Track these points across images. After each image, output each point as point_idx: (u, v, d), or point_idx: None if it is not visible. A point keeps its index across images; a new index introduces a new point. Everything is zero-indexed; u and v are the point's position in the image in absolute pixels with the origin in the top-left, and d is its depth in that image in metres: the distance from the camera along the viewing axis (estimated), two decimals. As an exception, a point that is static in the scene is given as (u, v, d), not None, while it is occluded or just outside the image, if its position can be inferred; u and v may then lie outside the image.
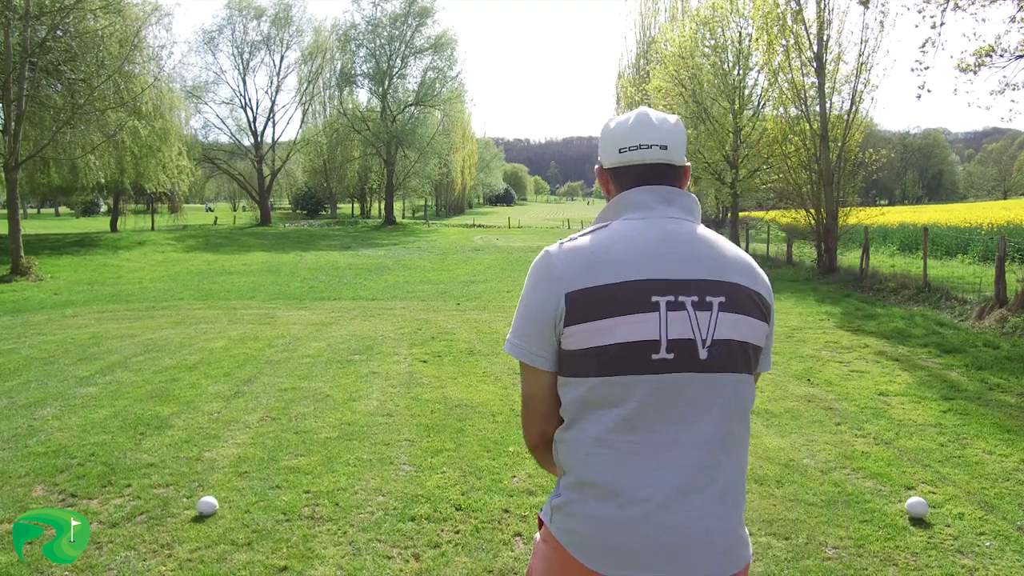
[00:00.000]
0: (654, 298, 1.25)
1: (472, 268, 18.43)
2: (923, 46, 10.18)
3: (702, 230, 1.37)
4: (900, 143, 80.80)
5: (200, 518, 3.43)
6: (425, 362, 6.96)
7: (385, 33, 41.54)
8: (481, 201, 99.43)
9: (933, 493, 3.72)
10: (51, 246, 23.68)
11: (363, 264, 19.68)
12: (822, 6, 14.94)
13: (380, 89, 41.85)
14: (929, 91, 10.72)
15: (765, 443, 4.51)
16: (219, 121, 45.56)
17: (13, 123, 16.38)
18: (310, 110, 46.84)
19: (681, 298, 1.26)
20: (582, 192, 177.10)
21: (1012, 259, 13.22)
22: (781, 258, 19.03)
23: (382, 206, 49.22)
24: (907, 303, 10.90)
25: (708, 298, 1.27)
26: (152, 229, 33.67)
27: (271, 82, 44.55)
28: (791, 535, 3.25)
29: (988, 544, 3.17)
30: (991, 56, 9.50)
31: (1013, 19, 9.40)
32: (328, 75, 44.73)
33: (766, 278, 1.38)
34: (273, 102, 44.36)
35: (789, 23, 15.34)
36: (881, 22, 14.08)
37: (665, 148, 1.38)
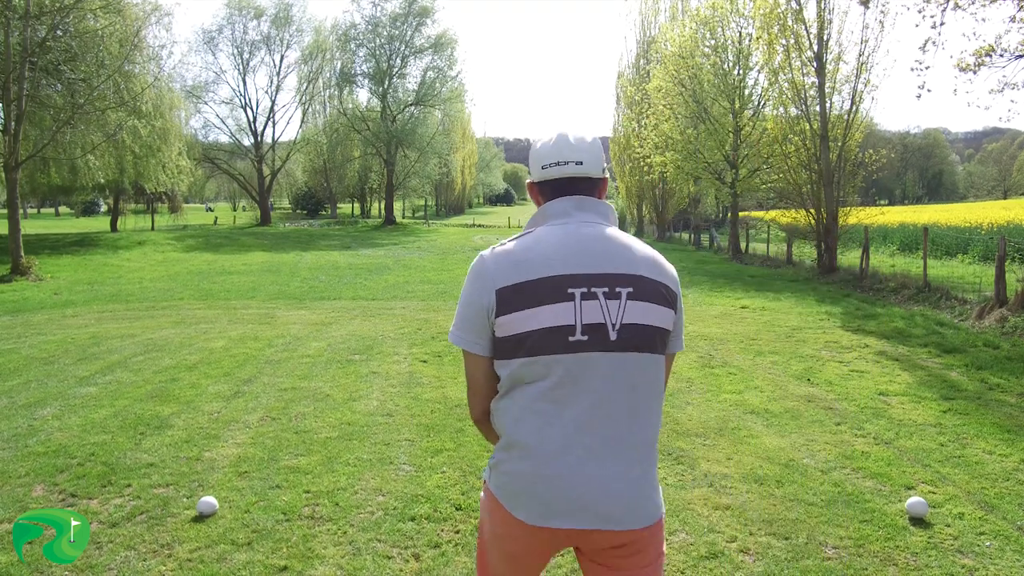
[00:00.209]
0: (570, 290, 1.47)
1: (472, 268, 18.40)
2: (923, 46, 10.18)
3: (614, 232, 1.59)
4: (900, 143, 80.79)
5: (200, 518, 3.43)
6: (425, 362, 6.97)
7: (385, 33, 41.52)
8: (481, 201, 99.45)
9: (933, 493, 3.72)
10: (51, 246, 23.68)
11: (363, 264, 19.68)
12: (822, 6, 14.94)
13: (380, 89, 41.84)
14: (929, 91, 10.72)
15: (765, 443, 4.51)
16: (219, 121, 45.57)
17: (13, 123, 16.38)
18: (310, 110, 46.84)
19: (594, 289, 1.48)
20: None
21: (1012, 259, 13.22)
22: (781, 258, 19.03)
23: (382, 206, 49.20)
24: (907, 303, 10.90)
25: (617, 289, 1.49)
26: (152, 229, 33.67)
27: (271, 82, 44.57)
28: (791, 535, 3.25)
29: (988, 544, 3.17)
30: (991, 56, 9.50)
31: (1013, 19, 9.40)
32: (328, 75, 44.73)
33: (673, 272, 1.62)
34: (273, 102, 44.37)
35: (789, 23, 15.34)
36: (881, 22, 14.11)
37: (581, 163, 1.60)
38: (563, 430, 1.47)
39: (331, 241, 29.49)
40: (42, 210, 73.81)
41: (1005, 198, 71.10)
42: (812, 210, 15.73)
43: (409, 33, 41.76)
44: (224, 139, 43.74)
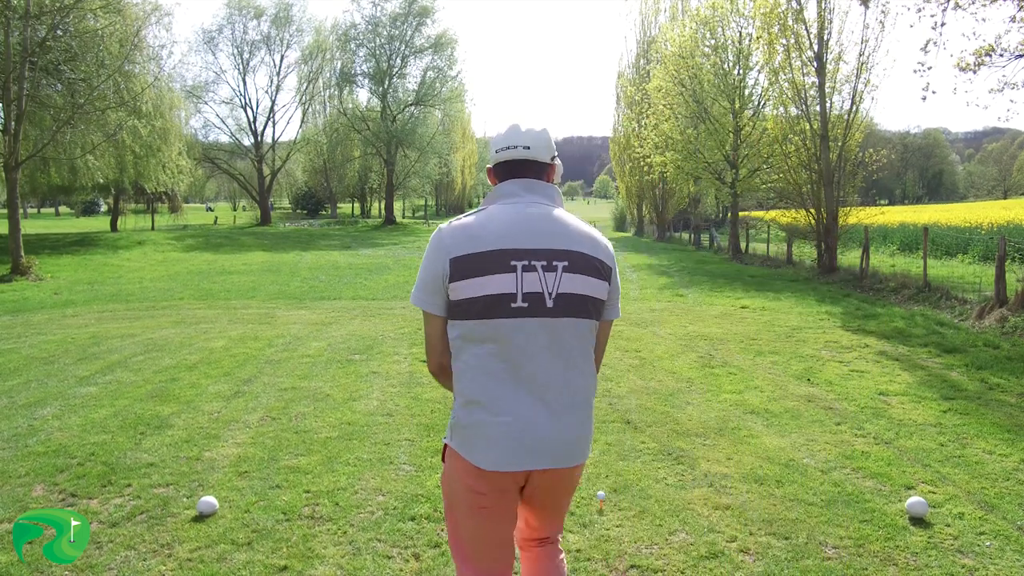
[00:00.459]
0: (513, 262, 1.70)
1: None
2: (925, 47, 10.18)
3: (557, 212, 1.82)
4: (900, 143, 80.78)
5: (200, 518, 3.43)
6: (425, 362, 6.96)
7: (385, 33, 41.51)
8: (481, 201, 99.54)
9: (933, 493, 3.71)
10: (51, 246, 23.68)
11: (363, 264, 19.67)
12: (823, 6, 14.94)
13: (380, 89, 41.83)
14: (934, 92, 10.76)
15: (765, 443, 4.51)
16: (219, 121, 45.62)
17: (13, 123, 16.37)
18: (310, 110, 46.83)
19: (533, 262, 1.71)
20: (583, 192, 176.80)
21: (1012, 259, 13.21)
22: (781, 258, 19.02)
23: (382, 206, 49.21)
24: (907, 303, 10.90)
25: (555, 262, 1.72)
26: (152, 229, 33.66)
27: (271, 82, 44.58)
28: (791, 535, 3.25)
29: (988, 544, 3.17)
30: (991, 55, 9.50)
31: (1013, 19, 9.40)
32: (328, 75, 44.73)
33: (609, 248, 1.85)
34: (273, 102, 44.37)
35: (789, 23, 15.33)
36: (882, 22, 14.10)
37: (528, 148, 1.83)
38: (511, 385, 1.72)
39: (331, 241, 29.49)
40: (42, 210, 73.80)
41: (1005, 198, 71.09)
42: (812, 210, 15.73)
43: (409, 33, 41.75)
44: (224, 139, 43.77)
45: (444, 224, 1.81)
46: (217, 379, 6.27)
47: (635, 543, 3.19)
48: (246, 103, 43.54)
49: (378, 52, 41.55)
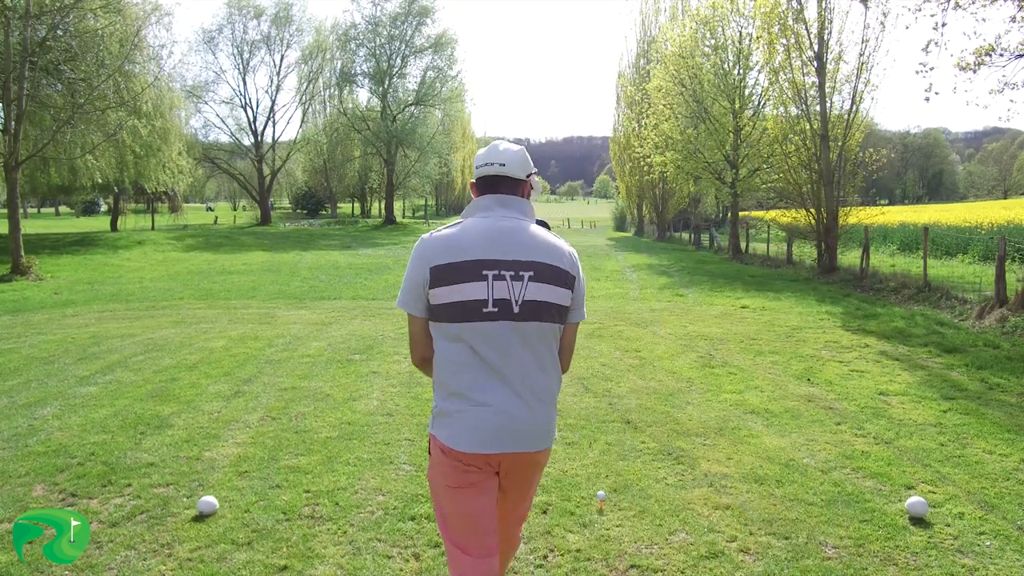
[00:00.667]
0: (484, 272, 1.92)
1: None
2: (926, 47, 10.19)
3: (526, 225, 2.02)
4: (900, 143, 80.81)
5: (200, 517, 3.43)
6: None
7: (385, 32, 41.51)
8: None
9: (933, 493, 3.71)
10: (51, 245, 23.69)
11: (363, 263, 19.68)
12: (823, 5, 14.93)
13: (380, 89, 41.83)
14: (937, 93, 10.83)
15: (765, 443, 4.51)
16: (219, 120, 45.63)
17: (13, 122, 16.37)
18: (310, 110, 46.83)
19: (503, 272, 1.93)
20: (583, 192, 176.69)
21: (1012, 259, 13.21)
22: (781, 258, 19.02)
23: (382, 205, 49.21)
24: (907, 303, 10.90)
25: (521, 272, 1.94)
26: (152, 229, 33.65)
27: (271, 81, 44.56)
28: (791, 535, 3.25)
29: (988, 544, 3.17)
30: (991, 55, 9.50)
31: (1013, 19, 9.40)
32: (328, 74, 44.72)
33: (573, 257, 2.05)
34: (273, 101, 44.36)
35: (790, 22, 15.33)
36: (882, 22, 14.08)
37: (503, 165, 2.04)
38: (487, 378, 1.94)
39: (331, 241, 29.49)
40: (42, 210, 73.80)
41: (1005, 198, 71.08)
42: (812, 210, 15.73)
43: (409, 33, 41.75)
44: (224, 139, 43.76)
45: (427, 235, 2.03)
46: (217, 379, 6.27)
47: (635, 543, 3.19)
48: (246, 103, 43.55)
49: (378, 52, 41.55)
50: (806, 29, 15.17)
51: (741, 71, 21.46)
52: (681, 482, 3.88)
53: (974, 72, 9.70)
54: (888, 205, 59.22)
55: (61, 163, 20.37)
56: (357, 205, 62.65)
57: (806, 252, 18.85)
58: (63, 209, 69.65)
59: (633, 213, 42.59)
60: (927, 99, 10.80)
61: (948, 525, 3.35)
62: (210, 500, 3.50)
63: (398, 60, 41.89)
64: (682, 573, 2.94)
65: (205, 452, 4.35)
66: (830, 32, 14.97)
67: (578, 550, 3.12)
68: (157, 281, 15.98)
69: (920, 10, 9.98)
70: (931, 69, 10.30)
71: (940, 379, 6.19)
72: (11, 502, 3.62)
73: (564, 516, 3.45)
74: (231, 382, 6.16)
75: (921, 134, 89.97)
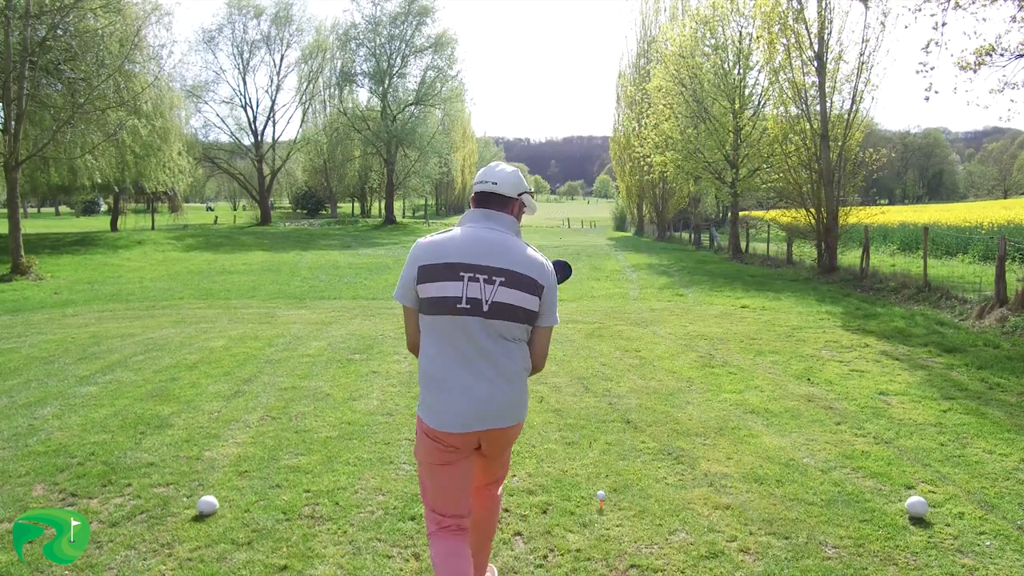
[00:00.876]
0: (461, 273, 2.25)
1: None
2: (927, 47, 10.18)
3: (506, 238, 2.32)
4: (900, 142, 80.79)
5: (200, 517, 3.43)
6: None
7: (385, 32, 41.51)
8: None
9: (933, 492, 3.71)
10: (51, 245, 23.69)
11: (363, 263, 19.67)
12: (823, 5, 14.92)
13: (380, 88, 41.83)
14: (937, 92, 10.80)
15: (765, 443, 4.51)
16: (219, 120, 45.67)
17: (13, 122, 16.37)
18: (310, 109, 46.83)
19: (477, 275, 2.25)
20: (582, 191, 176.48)
21: (1012, 258, 13.21)
22: (781, 257, 19.02)
23: (382, 205, 49.21)
24: (907, 302, 10.89)
25: (494, 277, 2.25)
26: (152, 228, 33.65)
27: (271, 81, 44.56)
28: (791, 534, 3.25)
29: (988, 543, 3.17)
30: (991, 55, 9.50)
31: (1013, 19, 9.40)
32: (328, 74, 44.72)
33: (545, 269, 2.34)
34: (273, 101, 44.36)
35: (790, 22, 15.32)
36: (882, 22, 14.07)
37: (495, 184, 2.38)
38: (460, 367, 2.26)
39: (331, 240, 29.49)
40: (42, 209, 73.79)
41: (1005, 197, 71.07)
42: (812, 210, 15.72)
43: (409, 32, 41.75)
44: (224, 138, 43.76)
45: (422, 238, 2.36)
46: (217, 379, 6.27)
47: (635, 543, 3.19)
48: (246, 103, 43.55)
49: (378, 51, 41.54)
50: (806, 29, 15.17)
51: (741, 71, 21.46)
52: (681, 482, 3.88)
53: (975, 72, 9.70)
54: (888, 205, 59.22)
55: (61, 163, 20.37)
56: (357, 205, 62.64)
57: (806, 252, 18.85)
58: (63, 209, 69.64)
59: (633, 213, 42.59)
60: (927, 98, 10.81)
61: (948, 525, 3.35)
62: (210, 500, 3.50)
63: (398, 60, 41.89)
64: (682, 573, 2.94)
65: (205, 452, 4.35)
66: (830, 32, 14.97)
67: (578, 550, 3.13)
68: (157, 281, 15.98)
69: (920, 10, 9.99)
70: (931, 69, 10.32)
71: (940, 379, 6.19)
72: (11, 502, 3.62)
73: (564, 516, 3.45)
74: (231, 382, 6.16)
75: (921, 134, 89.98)
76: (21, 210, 18.38)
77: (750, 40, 20.38)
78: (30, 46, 16.39)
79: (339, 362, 6.97)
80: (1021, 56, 9.37)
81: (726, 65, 21.27)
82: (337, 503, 3.60)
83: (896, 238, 21.73)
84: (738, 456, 4.26)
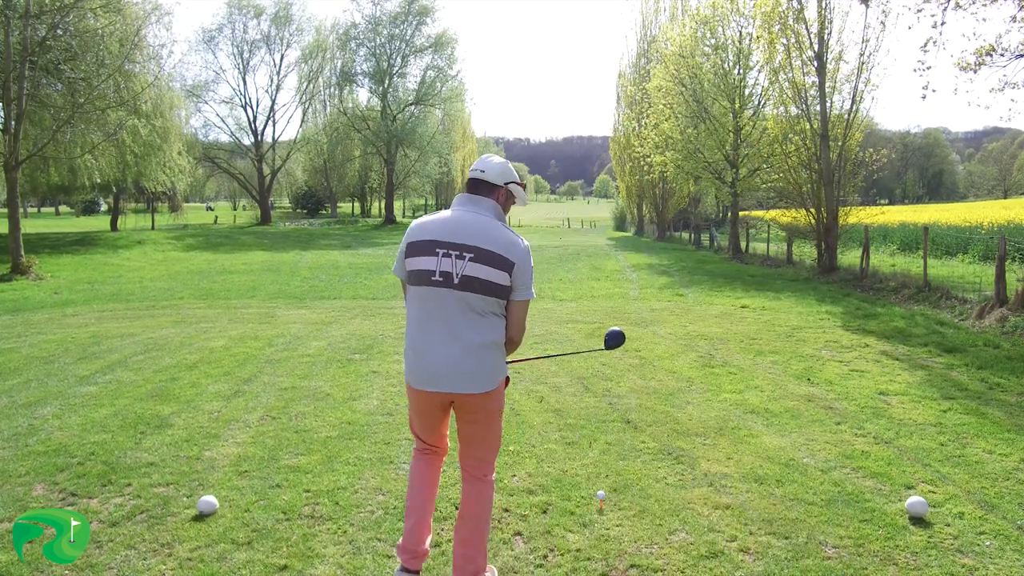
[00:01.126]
0: (437, 249, 2.55)
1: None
2: (925, 46, 10.19)
3: (484, 219, 2.59)
4: (900, 142, 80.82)
5: (200, 517, 3.43)
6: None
7: (385, 32, 41.51)
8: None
9: (933, 492, 3.71)
10: (51, 245, 23.69)
11: (363, 263, 19.68)
12: (823, 5, 14.92)
13: (380, 88, 41.83)
14: (934, 91, 10.86)
15: (765, 443, 4.51)
16: (219, 120, 45.67)
17: (13, 122, 16.36)
18: (310, 109, 46.84)
19: (450, 252, 2.53)
20: (582, 191, 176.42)
21: (1012, 258, 13.22)
22: (781, 257, 19.02)
23: (382, 205, 49.22)
24: (907, 302, 10.90)
25: (464, 253, 2.52)
26: (152, 228, 33.65)
27: (271, 81, 44.59)
28: (791, 534, 3.25)
29: (988, 543, 3.17)
30: (991, 55, 9.50)
31: (1014, 19, 9.40)
32: (328, 74, 44.73)
33: (517, 248, 2.56)
34: (273, 101, 44.37)
35: (790, 22, 15.33)
36: (882, 22, 14.10)
37: (483, 172, 2.68)
38: (430, 331, 2.57)
39: (331, 240, 29.49)
40: (42, 209, 73.78)
41: (1005, 197, 71.07)
42: (812, 210, 15.72)
43: (409, 32, 41.75)
44: (224, 138, 43.77)
45: (416, 220, 2.70)
46: (217, 378, 6.27)
47: (635, 543, 3.19)
48: (246, 102, 43.56)
49: (378, 51, 41.55)
50: (806, 29, 15.17)
51: (741, 71, 21.46)
52: (681, 482, 3.88)
53: (975, 72, 9.71)
54: (888, 205, 59.23)
55: (61, 162, 20.37)
56: (357, 204, 62.64)
57: (806, 252, 18.85)
58: (63, 209, 69.63)
59: (633, 213, 42.60)
60: (924, 96, 10.81)
61: (948, 525, 3.35)
62: (210, 500, 3.50)
63: (398, 59, 41.89)
64: (682, 573, 2.94)
65: (205, 452, 4.35)
66: (830, 32, 14.97)
67: (578, 550, 3.13)
68: (157, 281, 15.98)
69: (921, 10, 9.99)
70: (929, 68, 10.31)
71: (940, 379, 6.19)
72: (11, 502, 3.62)
73: (564, 516, 3.45)
74: (231, 382, 6.16)
75: (921, 134, 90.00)
76: (21, 210, 18.37)
77: (750, 40, 20.38)
78: (30, 46, 16.39)
79: (339, 362, 6.97)
80: (1021, 56, 9.37)
81: (726, 65, 21.27)
82: (337, 503, 3.60)
83: (896, 238, 21.73)
84: (738, 456, 4.26)
